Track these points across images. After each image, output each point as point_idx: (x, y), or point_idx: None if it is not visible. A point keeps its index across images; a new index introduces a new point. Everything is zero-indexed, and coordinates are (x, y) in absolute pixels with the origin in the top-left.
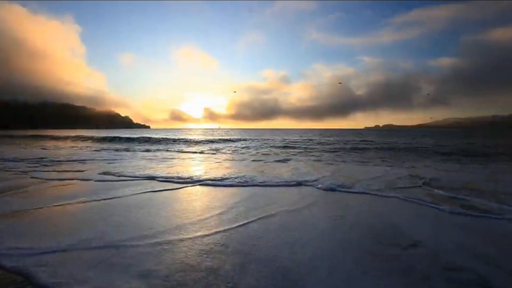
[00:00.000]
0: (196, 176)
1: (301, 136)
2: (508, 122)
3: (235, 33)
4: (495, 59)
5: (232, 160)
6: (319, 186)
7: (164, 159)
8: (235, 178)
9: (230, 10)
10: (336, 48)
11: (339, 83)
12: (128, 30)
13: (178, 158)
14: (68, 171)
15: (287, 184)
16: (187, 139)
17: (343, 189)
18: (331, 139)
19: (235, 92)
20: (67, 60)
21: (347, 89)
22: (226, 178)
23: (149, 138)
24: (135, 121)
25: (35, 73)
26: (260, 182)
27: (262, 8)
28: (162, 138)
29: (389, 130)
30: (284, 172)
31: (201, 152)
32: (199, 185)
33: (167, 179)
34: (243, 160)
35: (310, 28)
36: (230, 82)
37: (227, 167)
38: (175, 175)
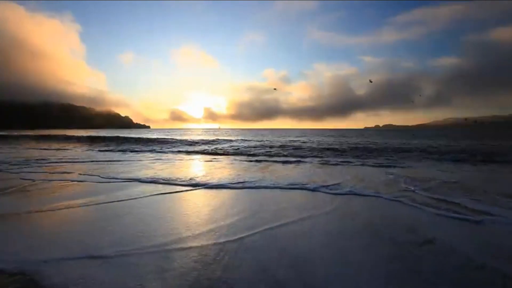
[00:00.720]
0: (200, 178)
1: (303, 136)
2: (508, 122)
3: (236, 32)
4: (497, 59)
5: (236, 161)
6: (333, 190)
7: (165, 160)
8: (242, 180)
9: (230, 10)
10: (337, 47)
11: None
12: (128, 30)
13: (180, 159)
14: (63, 172)
15: (296, 188)
16: (188, 139)
17: (360, 193)
18: (334, 139)
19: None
20: (67, 60)
21: (348, 89)
22: (233, 181)
23: (149, 138)
24: (135, 121)
25: (34, 73)
26: (269, 185)
27: (262, 7)
28: (162, 138)
29: (389, 130)
30: (292, 174)
31: (203, 153)
32: (205, 188)
33: (170, 182)
34: (246, 161)
35: (311, 28)
36: (230, 82)
37: (231, 168)
38: (178, 177)
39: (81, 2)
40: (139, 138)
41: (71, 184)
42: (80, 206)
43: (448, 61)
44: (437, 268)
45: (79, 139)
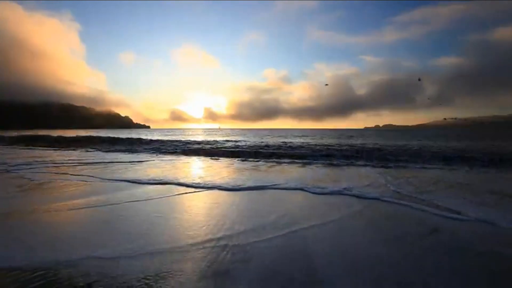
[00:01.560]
0: (204, 178)
1: (303, 137)
2: (508, 122)
3: (236, 32)
4: (497, 59)
5: (238, 161)
6: (340, 192)
7: (168, 160)
8: (247, 181)
9: (230, 10)
10: (338, 47)
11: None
12: (128, 30)
13: (182, 160)
14: (64, 173)
15: (302, 189)
16: (189, 139)
17: (367, 196)
18: (334, 140)
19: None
20: (67, 60)
21: (348, 89)
22: (238, 182)
23: (150, 139)
24: (135, 121)
25: (34, 73)
26: (275, 186)
27: (262, 7)
28: (162, 139)
29: (390, 130)
30: (298, 175)
31: (204, 153)
32: (210, 189)
33: (176, 183)
34: (249, 161)
35: (312, 27)
36: (231, 82)
37: (235, 169)
38: (184, 178)
39: (80, 1)
40: (139, 138)
41: (73, 185)
42: (88, 207)
43: (448, 61)
44: (440, 262)
45: (79, 140)
